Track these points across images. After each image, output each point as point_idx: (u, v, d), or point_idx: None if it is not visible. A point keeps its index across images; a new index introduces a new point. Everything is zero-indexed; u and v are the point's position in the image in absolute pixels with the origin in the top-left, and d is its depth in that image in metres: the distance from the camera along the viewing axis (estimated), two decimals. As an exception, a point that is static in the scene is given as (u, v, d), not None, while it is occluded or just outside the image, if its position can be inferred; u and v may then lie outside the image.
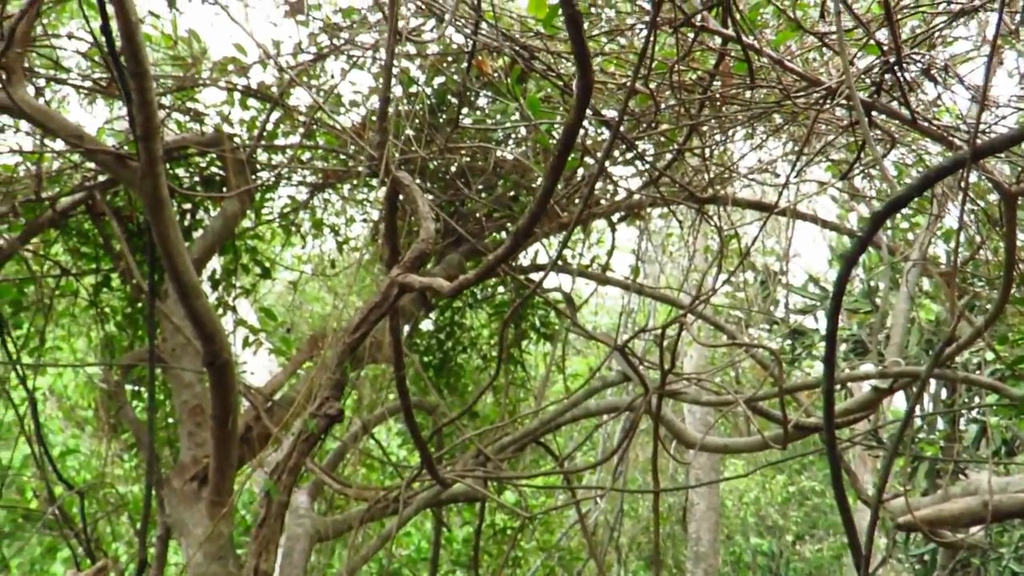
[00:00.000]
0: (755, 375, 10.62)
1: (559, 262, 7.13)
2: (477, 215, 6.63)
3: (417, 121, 5.27)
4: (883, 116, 4.30)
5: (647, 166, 4.91)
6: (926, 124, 3.98)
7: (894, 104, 4.00)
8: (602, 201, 6.47)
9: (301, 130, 5.78)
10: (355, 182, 6.46)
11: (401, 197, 3.97)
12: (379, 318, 3.62)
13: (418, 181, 6.08)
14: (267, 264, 6.44)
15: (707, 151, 5.32)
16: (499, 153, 5.95)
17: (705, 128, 5.05)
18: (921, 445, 7.81)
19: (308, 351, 6.04)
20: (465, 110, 5.61)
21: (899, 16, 3.76)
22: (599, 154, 5.35)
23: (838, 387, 7.83)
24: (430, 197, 6.35)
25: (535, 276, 7.21)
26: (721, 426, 12.99)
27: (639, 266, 7.39)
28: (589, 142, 5.90)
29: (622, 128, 5.42)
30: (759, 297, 8.90)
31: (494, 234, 7.04)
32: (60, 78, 5.06)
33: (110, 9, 3.49)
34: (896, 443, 2.85)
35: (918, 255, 5.97)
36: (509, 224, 6.69)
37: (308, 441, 3.66)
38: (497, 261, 2.93)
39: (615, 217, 7.32)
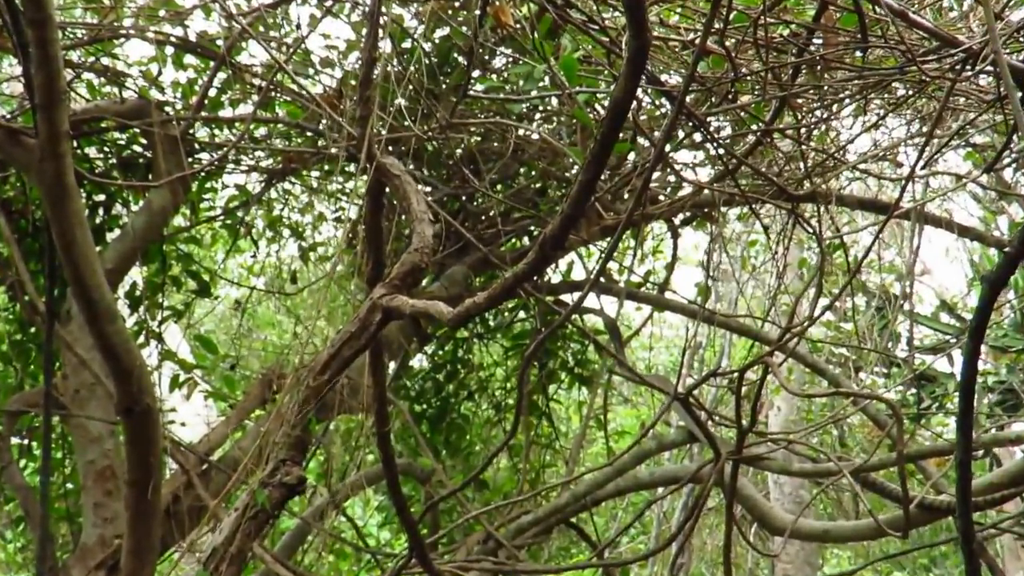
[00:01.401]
0: (867, 436, 10.59)
1: (602, 279, 7.15)
2: (491, 214, 6.67)
3: (411, 88, 5.31)
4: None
5: (721, 151, 4.93)
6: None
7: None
8: (660, 197, 6.50)
9: (255, 98, 5.83)
10: (326, 168, 6.51)
11: (388, 190, 4.00)
12: (356, 354, 3.64)
13: (411, 167, 6.13)
14: (206, 277, 6.49)
15: (803, 132, 5.34)
16: (521, 132, 5.99)
17: (801, 101, 5.06)
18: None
19: (259, 395, 6.07)
20: (476, 74, 5.65)
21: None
22: (657, 135, 5.37)
23: (979, 453, 7.80)
24: (427, 190, 6.40)
25: (569, 298, 7.24)
26: (820, 504, 12.94)
27: (709, 285, 7.39)
28: (644, 118, 5.93)
29: (688, 100, 5.45)
30: (874, 329, 8.89)
31: (513, 240, 7.08)
32: (-67, 26, 5.12)
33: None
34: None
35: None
36: (533, 227, 6.72)
37: (257, 519, 3.69)
38: (517, 280, 2.96)
39: (678, 219, 7.35)
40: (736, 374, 4.72)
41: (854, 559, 15.85)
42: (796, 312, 5.02)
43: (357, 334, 3.60)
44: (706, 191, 5.76)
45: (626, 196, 6.37)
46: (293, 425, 3.69)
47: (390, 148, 5.93)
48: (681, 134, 5.73)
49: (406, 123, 4.98)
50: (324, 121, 5.64)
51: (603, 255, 6.85)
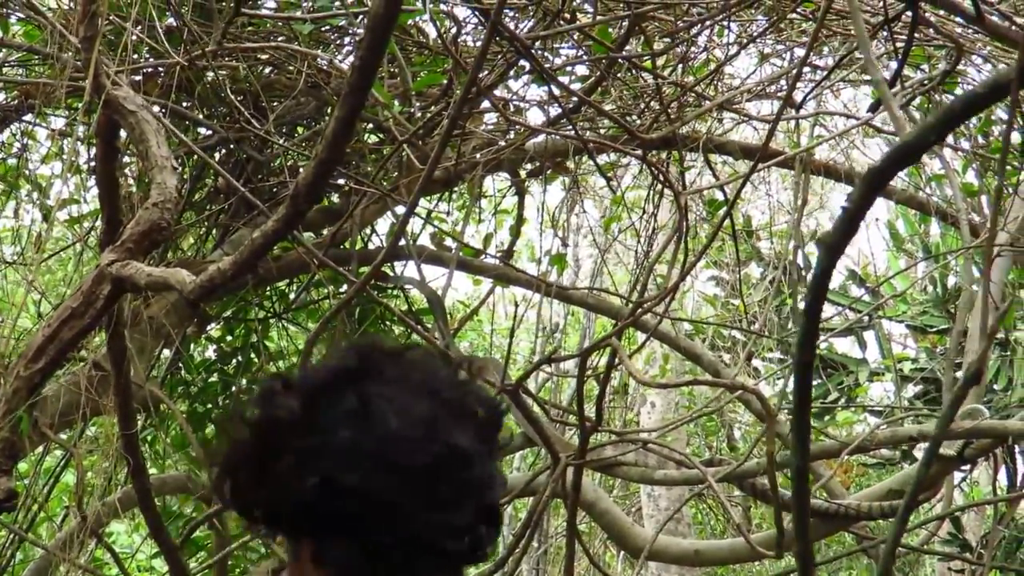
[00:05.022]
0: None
1: (432, 246, 7.18)
2: (291, 164, 6.64)
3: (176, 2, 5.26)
4: (938, 8, 4.43)
5: (557, 86, 4.98)
6: (999, 21, 4.12)
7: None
8: (502, 143, 6.54)
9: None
10: (78, 106, 6.42)
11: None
12: (79, 335, 3.61)
13: (186, 105, 6.08)
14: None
15: (665, 61, 5.41)
16: (320, 61, 5.96)
17: (656, 21, 5.13)
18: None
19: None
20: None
21: None
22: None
23: (898, 455, 8.01)
24: (207, 134, 6.35)
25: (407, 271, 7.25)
26: (713, 520, 13.15)
27: (563, 253, 7.47)
28: (471, 42, 5.96)
29: (510, 20, 5.50)
30: (769, 306, 9.05)
31: (330, 196, 7.06)
32: None
33: None
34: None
35: (1011, 235, 6.14)
36: (342, 179, 6.71)
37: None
38: (267, 240, 2.98)
39: (523, 172, 7.39)
40: (578, 359, 4.79)
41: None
42: (647, 284, 5.07)
43: (81, 311, 3.57)
44: (544, 136, 5.81)
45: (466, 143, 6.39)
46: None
47: (158, 80, 5.86)
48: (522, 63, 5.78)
49: (165, 47, 4.93)
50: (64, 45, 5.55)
51: (402, 215, 6.87)
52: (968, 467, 6.91)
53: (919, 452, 5.83)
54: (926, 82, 5.42)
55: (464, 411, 1.91)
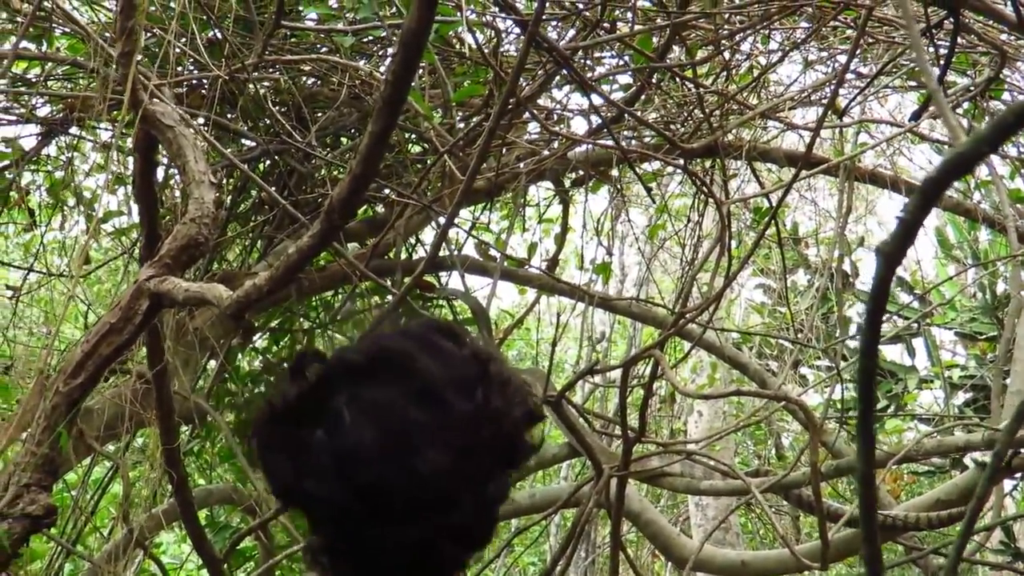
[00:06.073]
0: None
1: (477, 256, 7.17)
2: (335, 175, 6.64)
3: (218, 15, 5.25)
4: (980, 15, 4.39)
5: (599, 96, 4.96)
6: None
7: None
8: (545, 152, 6.52)
9: (20, 22, 5.73)
10: (125, 119, 6.42)
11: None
12: (118, 351, 3.61)
13: (229, 117, 6.08)
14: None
15: (708, 70, 5.37)
16: (362, 73, 5.96)
17: (697, 31, 5.10)
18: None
19: (38, 404, 5.99)
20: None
21: None
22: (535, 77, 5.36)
23: (947, 463, 7.93)
24: (250, 146, 6.35)
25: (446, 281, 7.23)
26: (759, 530, 13.07)
27: (606, 262, 7.43)
28: (514, 52, 5.93)
29: (551, 31, 5.47)
30: (815, 314, 8.98)
31: (368, 208, 7.05)
32: None
33: None
34: None
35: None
36: (388, 189, 6.71)
37: (-8, 561, 3.64)
38: (302, 256, 2.97)
39: (567, 180, 7.37)
40: (621, 369, 4.75)
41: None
42: (690, 293, 5.03)
43: (119, 326, 3.56)
44: (585, 147, 5.78)
45: (510, 152, 6.37)
46: (39, 442, 3.64)
47: (203, 93, 5.87)
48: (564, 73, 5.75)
49: (204, 60, 4.93)
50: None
51: (443, 225, 6.85)
52: (1018, 476, 6.83)
53: (969, 460, 5.75)
54: (971, 88, 5.37)
55: (459, 424, 1.86)
